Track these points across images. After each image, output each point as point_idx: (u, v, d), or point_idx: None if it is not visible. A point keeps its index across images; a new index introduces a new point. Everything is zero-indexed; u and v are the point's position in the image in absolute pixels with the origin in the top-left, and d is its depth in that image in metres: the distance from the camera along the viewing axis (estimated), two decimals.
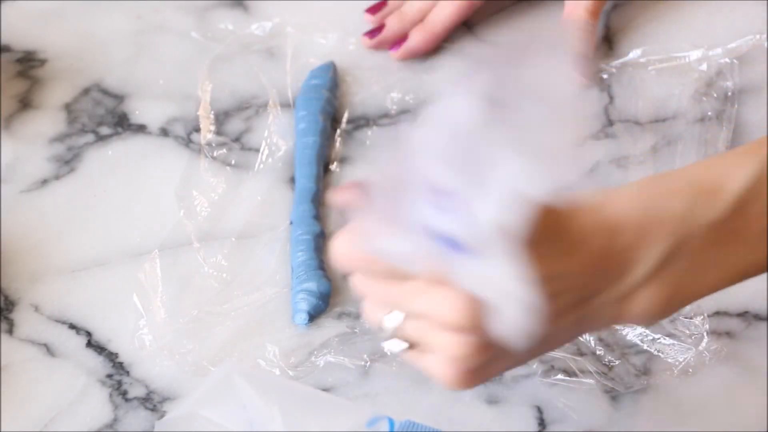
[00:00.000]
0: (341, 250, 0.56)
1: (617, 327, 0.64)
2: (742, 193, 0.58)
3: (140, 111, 0.84)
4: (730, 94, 0.84)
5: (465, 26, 0.90)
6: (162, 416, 0.69)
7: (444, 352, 0.56)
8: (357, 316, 0.73)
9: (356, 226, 0.56)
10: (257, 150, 0.82)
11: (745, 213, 0.58)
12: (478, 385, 0.58)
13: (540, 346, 0.58)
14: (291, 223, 0.77)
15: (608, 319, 0.59)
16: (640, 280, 0.58)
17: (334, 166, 0.81)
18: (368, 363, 0.71)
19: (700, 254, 0.58)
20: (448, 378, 0.56)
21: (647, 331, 0.72)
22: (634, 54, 0.87)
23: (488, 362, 0.56)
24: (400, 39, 0.87)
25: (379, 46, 0.87)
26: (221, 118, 0.83)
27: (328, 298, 0.73)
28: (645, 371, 0.70)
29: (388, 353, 0.58)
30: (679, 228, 0.58)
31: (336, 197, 0.55)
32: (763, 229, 0.58)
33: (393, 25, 0.87)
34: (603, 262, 0.57)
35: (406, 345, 0.57)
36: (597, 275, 0.57)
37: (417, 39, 0.87)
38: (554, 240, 0.56)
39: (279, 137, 0.82)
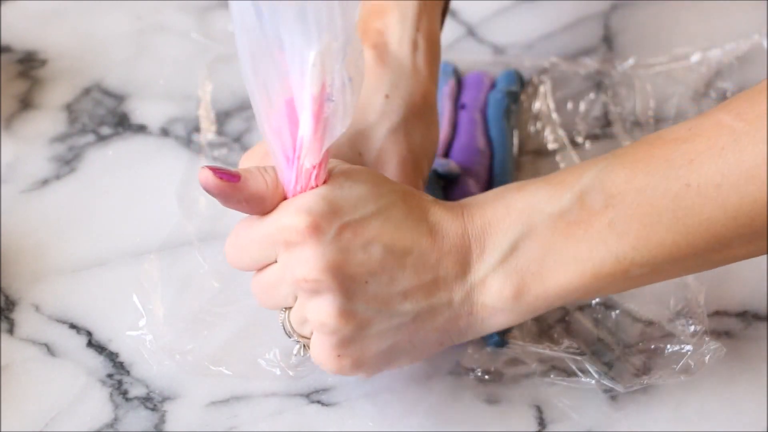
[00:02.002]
0: (227, 252, 0.63)
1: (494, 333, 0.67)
2: (584, 187, 0.61)
3: (140, 111, 0.84)
4: (729, 94, 0.84)
5: (465, 27, 0.90)
6: (162, 416, 0.70)
7: (316, 329, 0.61)
8: None
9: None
10: None
11: (588, 205, 0.60)
12: (362, 369, 0.62)
13: (406, 335, 0.62)
14: None
15: (471, 313, 0.62)
16: (492, 266, 0.61)
17: None
18: None
19: (548, 244, 0.61)
20: (326, 355, 0.61)
21: (647, 331, 0.72)
22: (633, 55, 0.87)
23: (359, 335, 0.60)
24: None
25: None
26: (221, 118, 0.83)
27: None
28: (645, 371, 0.70)
29: (300, 356, 0.65)
30: (526, 217, 0.61)
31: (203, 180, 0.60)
32: (609, 222, 0.60)
33: None
34: (459, 247, 0.61)
35: (299, 342, 0.63)
36: (455, 259, 0.61)
37: None
38: (418, 219, 0.61)
39: None
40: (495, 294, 0.62)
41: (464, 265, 0.61)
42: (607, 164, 0.61)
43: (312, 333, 0.62)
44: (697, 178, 0.58)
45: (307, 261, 0.59)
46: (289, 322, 0.63)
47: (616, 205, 0.60)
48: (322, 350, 0.61)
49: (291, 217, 0.59)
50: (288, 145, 0.60)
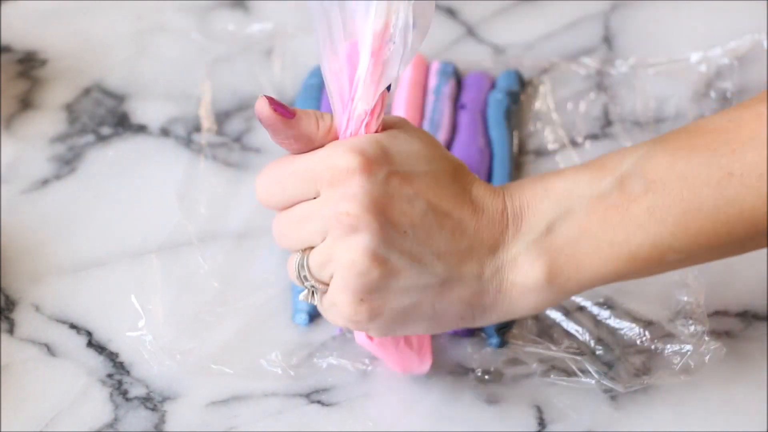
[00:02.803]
0: (259, 184, 0.62)
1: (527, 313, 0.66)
2: (624, 172, 0.61)
3: (141, 111, 0.84)
4: (729, 95, 0.84)
5: (465, 27, 0.90)
6: (162, 416, 0.70)
7: (344, 268, 0.60)
8: None
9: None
10: (257, 150, 0.82)
11: (627, 191, 0.60)
12: (377, 321, 0.62)
13: (434, 301, 0.62)
14: None
15: (499, 291, 0.62)
16: (526, 245, 0.61)
17: None
18: (369, 367, 0.71)
19: (585, 227, 0.61)
20: (347, 297, 0.60)
21: (647, 331, 0.72)
22: (633, 55, 0.87)
23: (385, 284, 0.60)
24: None
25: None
26: (221, 118, 0.83)
27: None
28: (645, 371, 0.70)
29: (308, 302, 0.64)
30: (564, 198, 0.61)
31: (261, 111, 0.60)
32: (648, 208, 0.60)
33: None
34: (497, 223, 0.61)
35: (318, 286, 0.62)
36: (491, 233, 0.61)
37: None
38: (463, 189, 0.61)
39: None
40: (526, 273, 0.61)
41: (498, 241, 0.61)
42: (649, 150, 0.61)
43: (331, 277, 0.61)
44: (740, 167, 0.59)
45: (354, 196, 0.59)
46: (307, 263, 0.62)
47: (657, 191, 0.60)
48: (343, 291, 0.60)
49: (342, 155, 0.59)
50: (345, 87, 0.60)
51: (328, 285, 0.62)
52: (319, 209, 0.60)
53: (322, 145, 0.61)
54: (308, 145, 0.61)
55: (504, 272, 0.62)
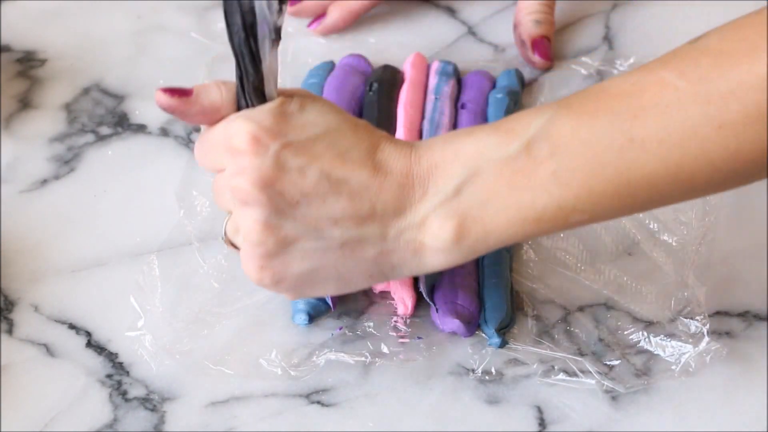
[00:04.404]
0: (195, 155, 0.66)
1: (421, 271, 0.66)
2: (531, 137, 0.62)
3: (140, 111, 0.84)
4: None
5: (465, 26, 0.90)
6: (162, 416, 0.70)
7: (244, 237, 0.63)
8: (357, 317, 0.73)
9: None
10: None
11: (534, 154, 0.62)
12: (282, 285, 0.64)
13: (338, 262, 0.64)
14: None
15: (406, 250, 0.63)
16: (434, 206, 0.62)
17: None
18: (369, 359, 0.71)
19: (492, 190, 0.62)
20: (250, 265, 0.63)
21: (647, 332, 0.72)
22: (634, 54, 0.87)
23: (282, 251, 0.63)
24: (319, 15, 0.89)
25: (296, 15, 0.91)
26: None
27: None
28: (645, 371, 0.70)
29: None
30: (472, 161, 0.62)
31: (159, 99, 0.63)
32: (552, 173, 0.61)
33: None
34: (402, 186, 0.63)
35: (234, 251, 0.66)
36: (396, 195, 0.63)
37: (335, 16, 0.89)
38: (365, 151, 0.63)
39: None
40: (434, 234, 0.63)
41: (404, 203, 0.63)
42: (554, 114, 0.62)
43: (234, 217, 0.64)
44: (640, 132, 0.60)
45: (242, 171, 0.61)
46: (225, 228, 0.66)
47: (561, 156, 0.61)
48: (247, 259, 0.64)
49: (237, 130, 0.62)
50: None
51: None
52: (226, 181, 0.63)
53: (230, 114, 0.64)
54: (216, 115, 0.64)
55: (411, 232, 0.63)
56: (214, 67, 0.86)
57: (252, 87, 0.62)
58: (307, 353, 0.71)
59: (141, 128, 0.83)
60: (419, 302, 0.73)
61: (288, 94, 0.63)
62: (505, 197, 0.62)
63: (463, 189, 0.62)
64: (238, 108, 0.64)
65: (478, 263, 0.74)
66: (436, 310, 0.72)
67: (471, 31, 0.90)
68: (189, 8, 0.90)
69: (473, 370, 0.71)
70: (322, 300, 0.73)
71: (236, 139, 0.62)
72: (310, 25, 0.90)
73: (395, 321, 0.73)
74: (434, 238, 0.63)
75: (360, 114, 0.82)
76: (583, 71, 0.86)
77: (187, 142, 0.82)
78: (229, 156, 0.62)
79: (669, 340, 0.71)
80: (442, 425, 0.69)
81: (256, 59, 0.62)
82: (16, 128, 0.83)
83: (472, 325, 0.72)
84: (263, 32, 0.61)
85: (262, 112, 0.62)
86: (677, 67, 0.60)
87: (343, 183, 0.62)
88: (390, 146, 0.64)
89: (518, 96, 0.84)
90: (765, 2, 0.87)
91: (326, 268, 0.64)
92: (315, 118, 0.63)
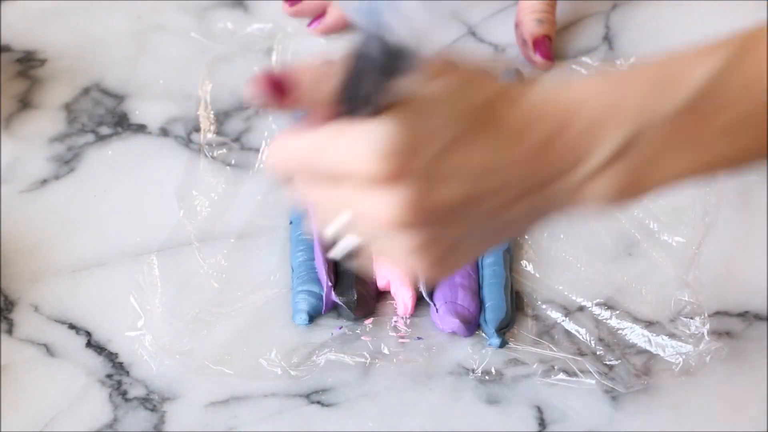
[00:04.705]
0: (279, 150, 0.55)
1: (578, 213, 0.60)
2: (701, 87, 0.57)
3: (140, 111, 0.84)
4: None
5: (465, 26, 0.90)
6: (162, 416, 0.70)
7: (400, 252, 0.55)
8: (357, 317, 0.73)
9: (293, 128, 0.54)
10: (257, 150, 0.82)
11: (704, 107, 0.57)
12: (456, 268, 0.59)
13: (500, 231, 0.58)
14: (291, 223, 0.77)
15: (564, 205, 0.57)
16: (596, 169, 0.56)
17: None
18: (369, 360, 0.71)
19: (659, 145, 0.57)
20: (425, 271, 0.56)
21: (647, 332, 0.72)
22: (634, 54, 0.87)
23: (449, 250, 0.56)
24: (319, 15, 0.89)
25: (297, 15, 0.90)
26: (221, 118, 0.83)
27: None
28: (645, 371, 0.70)
29: (343, 253, 0.57)
30: (637, 117, 0.56)
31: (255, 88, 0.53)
32: (724, 126, 0.57)
33: None
34: (550, 152, 0.56)
35: (357, 240, 0.56)
36: (543, 166, 0.56)
37: (335, 16, 0.89)
38: (490, 131, 0.55)
39: None
40: (599, 192, 0.57)
41: (561, 171, 0.56)
42: (725, 65, 0.57)
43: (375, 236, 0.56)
44: None
45: (388, 206, 0.53)
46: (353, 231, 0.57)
47: (732, 109, 0.57)
48: (419, 270, 0.57)
49: (368, 161, 0.53)
50: None
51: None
52: (354, 206, 0.55)
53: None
54: (317, 108, 0.55)
55: (575, 191, 0.57)
56: (214, 67, 0.86)
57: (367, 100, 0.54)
58: (307, 353, 0.71)
59: (141, 128, 0.83)
60: (419, 302, 0.73)
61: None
62: (672, 153, 0.57)
63: (628, 147, 0.56)
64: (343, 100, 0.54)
65: (478, 263, 0.74)
66: (436, 310, 0.72)
67: (471, 31, 0.90)
68: (189, 8, 0.90)
69: (473, 370, 0.71)
70: (323, 300, 0.73)
71: (372, 171, 0.53)
72: (310, 25, 0.90)
73: (395, 321, 0.73)
74: (597, 196, 0.57)
75: None
76: (584, 71, 0.86)
77: (187, 142, 0.82)
78: (358, 185, 0.54)
79: (669, 340, 0.71)
80: (442, 425, 0.69)
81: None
82: (16, 128, 0.83)
83: (472, 325, 0.72)
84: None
85: (390, 133, 0.53)
86: None
87: (495, 174, 0.55)
88: (530, 108, 0.55)
89: None
90: (765, 2, 0.87)
91: (492, 242, 0.59)
92: (444, 121, 0.54)
